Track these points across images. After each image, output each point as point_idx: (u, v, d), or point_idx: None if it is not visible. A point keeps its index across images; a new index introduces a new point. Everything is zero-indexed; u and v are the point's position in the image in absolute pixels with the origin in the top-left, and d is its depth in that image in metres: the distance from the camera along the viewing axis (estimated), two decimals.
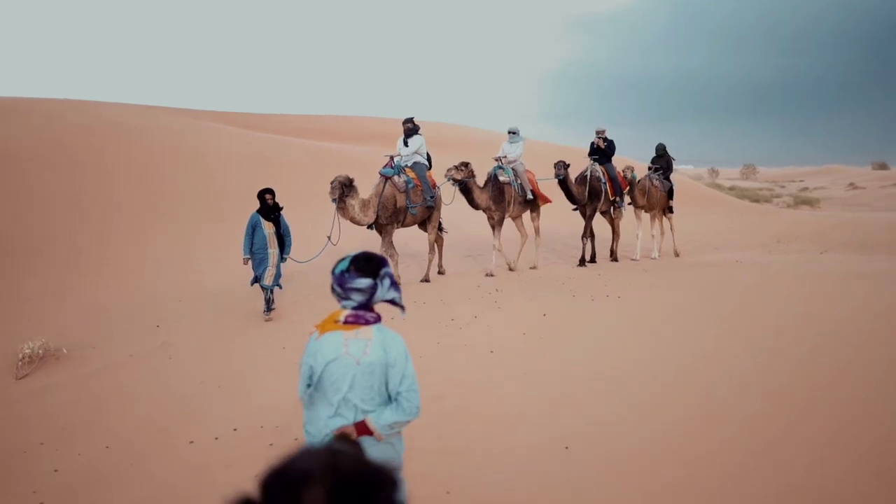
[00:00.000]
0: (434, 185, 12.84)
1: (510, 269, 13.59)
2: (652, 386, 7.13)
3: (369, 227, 11.98)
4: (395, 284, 3.36)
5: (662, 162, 16.62)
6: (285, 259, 10.67)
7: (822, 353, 7.80)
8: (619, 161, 15.92)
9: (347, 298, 3.30)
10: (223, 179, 18.27)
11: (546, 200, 14.30)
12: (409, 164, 12.58)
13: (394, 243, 12.30)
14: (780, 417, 6.20)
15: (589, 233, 14.85)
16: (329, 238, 11.22)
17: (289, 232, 10.72)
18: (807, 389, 6.78)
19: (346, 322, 3.29)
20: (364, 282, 3.26)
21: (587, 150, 15.43)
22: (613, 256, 15.47)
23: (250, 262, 10.41)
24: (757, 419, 6.19)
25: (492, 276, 12.99)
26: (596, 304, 10.80)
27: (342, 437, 3.21)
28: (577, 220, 15.30)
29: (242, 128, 28.58)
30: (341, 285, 3.28)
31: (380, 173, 12.19)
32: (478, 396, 7.10)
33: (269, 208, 10.48)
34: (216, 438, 6.44)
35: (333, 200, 11.06)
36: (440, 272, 13.38)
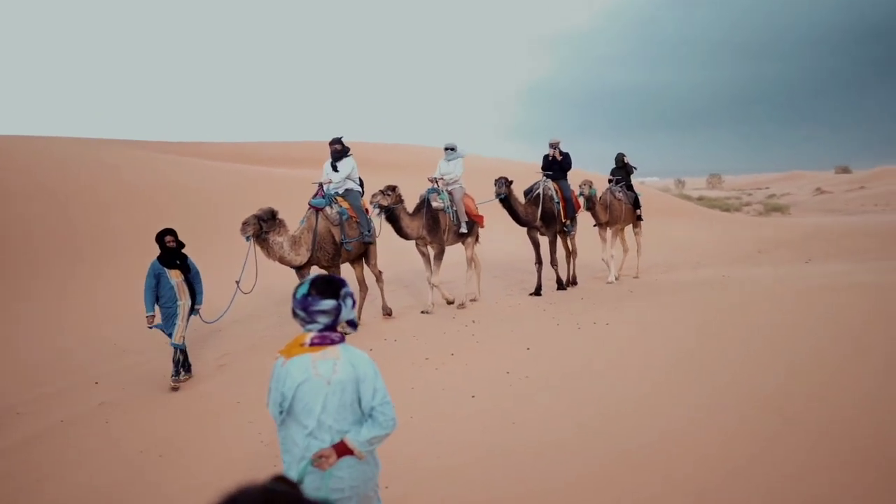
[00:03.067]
0: (370, 215, 11.21)
1: (423, 312, 11.75)
2: (657, 431, 6.16)
3: (297, 269, 10.28)
4: (354, 303, 3.42)
5: (622, 172, 15.33)
6: (196, 311, 9.04)
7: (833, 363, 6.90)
8: (575, 175, 14.31)
9: (312, 322, 3.33)
10: (167, 210, 17.13)
11: (481, 222, 12.62)
12: (340, 193, 10.98)
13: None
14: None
15: (550, 258, 13.36)
16: (238, 284, 9.64)
17: (199, 278, 9.08)
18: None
19: (312, 344, 3.33)
20: (328, 303, 3.30)
21: (539, 163, 13.84)
22: (569, 280, 13.98)
23: (155, 321, 8.73)
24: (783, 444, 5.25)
25: (428, 313, 11.57)
26: (583, 332, 9.84)
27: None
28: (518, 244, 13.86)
29: (174, 154, 27.46)
30: (305, 309, 3.31)
31: (309, 204, 10.56)
32: (459, 455, 6.09)
33: (171, 253, 8.80)
34: None
35: (247, 239, 9.44)
36: (386, 313, 11.60)
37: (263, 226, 9.48)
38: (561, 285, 13.52)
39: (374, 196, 10.90)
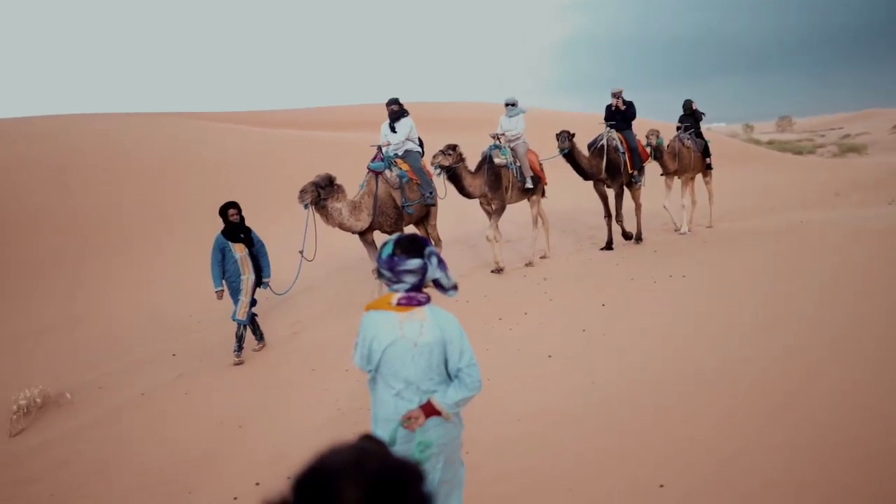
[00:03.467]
0: (431, 177, 10.86)
1: (496, 270, 11.41)
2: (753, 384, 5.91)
3: (361, 235, 10.06)
4: (442, 263, 3.37)
5: (691, 119, 14.60)
6: (266, 285, 8.96)
7: None
8: (641, 125, 13.69)
9: (399, 281, 3.30)
10: (228, 182, 17.24)
11: (545, 182, 12.27)
12: (399, 154, 10.65)
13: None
14: None
15: (614, 213, 12.83)
16: (302, 253, 9.49)
17: (265, 250, 8.96)
18: None
19: (399, 304, 3.30)
20: (415, 262, 3.27)
21: (602, 115, 13.28)
22: (635, 236, 13.22)
23: (226, 294, 8.72)
24: None
25: (500, 271, 11.25)
26: (660, 286, 9.56)
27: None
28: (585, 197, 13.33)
29: (236, 124, 27.61)
30: (391, 269, 3.29)
31: (368, 168, 10.27)
32: (538, 420, 5.94)
33: (235, 227, 8.69)
34: (235, 499, 5.37)
35: (305, 206, 9.20)
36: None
37: (321, 192, 9.25)
38: (627, 238, 13.16)
39: (434, 157, 10.63)
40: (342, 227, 9.70)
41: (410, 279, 3.30)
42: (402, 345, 3.29)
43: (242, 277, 8.62)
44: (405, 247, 3.30)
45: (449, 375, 3.38)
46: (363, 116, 33.95)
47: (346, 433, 6.20)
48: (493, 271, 11.35)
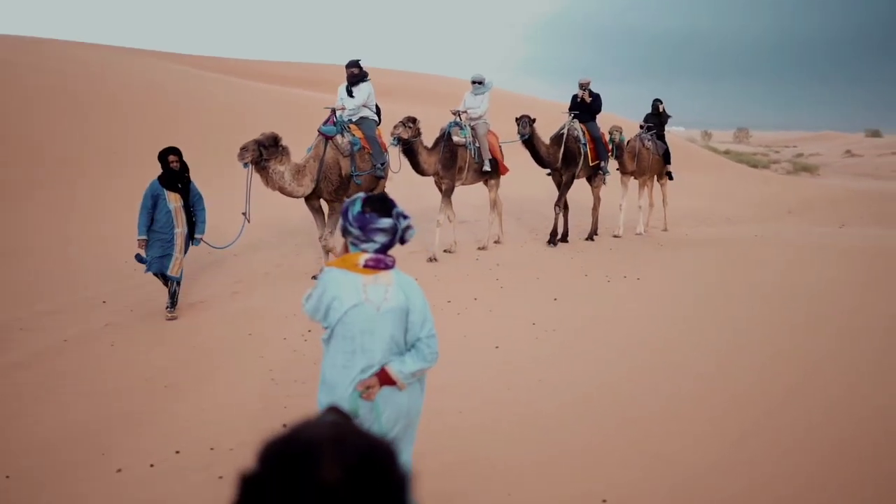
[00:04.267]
0: (384, 148, 10.32)
1: (446, 251, 11.18)
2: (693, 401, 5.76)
3: (306, 201, 9.61)
4: (408, 221, 3.23)
5: (655, 120, 14.16)
6: (197, 241, 8.24)
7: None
8: (604, 119, 13.40)
9: (369, 240, 3.16)
10: (187, 126, 16.63)
11: (505, 170, 11.84)
12: (354, 120, 10.05)
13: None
14: None
15: (563, 203, 12.30)
16: (245, 214, 8.96)
17: (202, 204, 8.23)
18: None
19: (366, 266, 3.17)
20: (386, 221, 3.13)
21: (568, 105, 12.81)
22: (591, 232, 13.00)
23: (144, 246, 7.93)
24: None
25: (434, 260, 10.64)
26: (613, 286, 9.41)
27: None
28: (550, 186, 12.90)
29: (220, 73, 26.84)
30: (362, 227, 3.13)
31: (319, 131, 9.62)
32: (482, 412, 5.71)
33: (173, 174, 7.96)
34: (151, 466, 5.01)
35: (245, 165, 8.59)
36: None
37: (264, 152, 8.63)
38: (552, 239, 12.28)
39: (395, 128, 10.14)
40: (282, 191, 9.11)
41: (381, 238, 3.16)
42: (366, 309, 3.16)
43: (176, 231, 7.96)
44: (375, 205, 3.17)
45: (405, 344, 3.28)
46: (331, 76, 33.25)
47: (277, 406, 5.91)
48: (429, 259, 10.68)
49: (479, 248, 11.55)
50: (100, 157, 14.19)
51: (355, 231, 3.16)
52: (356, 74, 10.05)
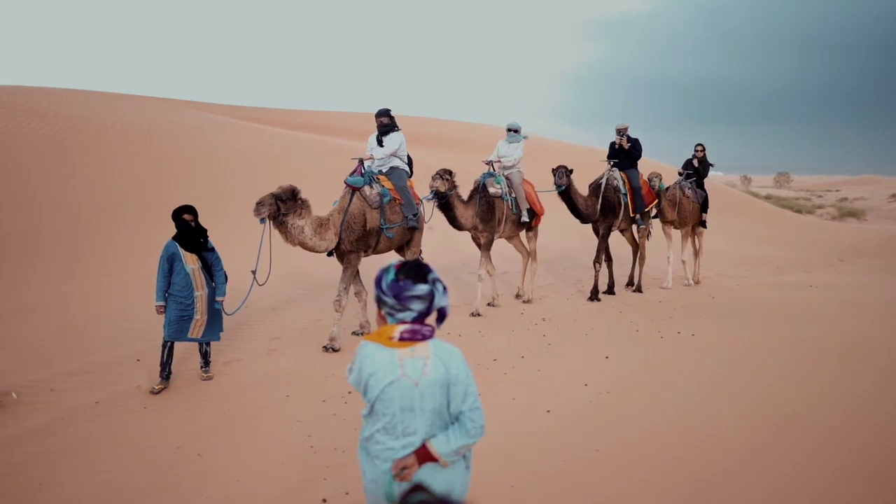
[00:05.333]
0: (418, 200, 9.81)
1: (489, 305, 10.87)
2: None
3: (329, 254, 9.05)
4: (445, 289, 3.04)
5: (697, 168, 13.53)
6: (219, 305, 7.67)
7: None
8: (644, 165, 12.88)
9: (405, 310, 2.97)
10: (226, 177, 16.54)
11: (542, 212, 11.36)
12: (384, 171, 9.58)
13: (360, 276, 9.29)
14: None
15: (603, 258, 11.87)
16: (254, 273, 8.22)
17: (220, 265, 7.69)
18: None
19: (401, 339, 2.97)
20: (423, 288, 2.95)
21: (606, 151, 12.47)
22: (635, 286, 12.55)
23: (162, 312, 7.46)
24: None
25: (478, 315, 10.27)
26: (667, 343, 8.93)
27: (420, 487, 2.47)
28: (591, 237, 12.31)
29: (250, 121, 26.93)
30: (397, 296, 2.94)
31: (346, 182, 9.14)
32: (534, 486, 5.27)
33: (190, 233, 7.48)
34: None
35: (262, 221, 8.09)
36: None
37: (281, 207, 8.15)
38: (607, 291, 12.03)
39: (432, 179, 9.85)
40: (304, 246, 8.57)
41: (417, 306, 2.96)
42: (403, 384, 2.96)
43: (196, 294, 7.43)
44: (409, 272, 2.99)
45: (450, 417, 3.07)
46: (361, 125, 33.29)
47: (316, 477, 5.53)
48: (472, 314, 10.31)
49: (523, 301, 11.15)
50: (135, 204, 14.08)
51: (389, 300, 2.97)
52: (386, 124, 9.59)
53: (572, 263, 15.17)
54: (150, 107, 23.63)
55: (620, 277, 13.02)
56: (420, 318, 3.01)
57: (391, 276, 3.00)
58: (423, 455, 2.98)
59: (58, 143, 16.11)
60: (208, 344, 7.82)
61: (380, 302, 3.02)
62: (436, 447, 2.98)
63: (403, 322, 2.99)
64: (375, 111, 9.66)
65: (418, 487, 2.38)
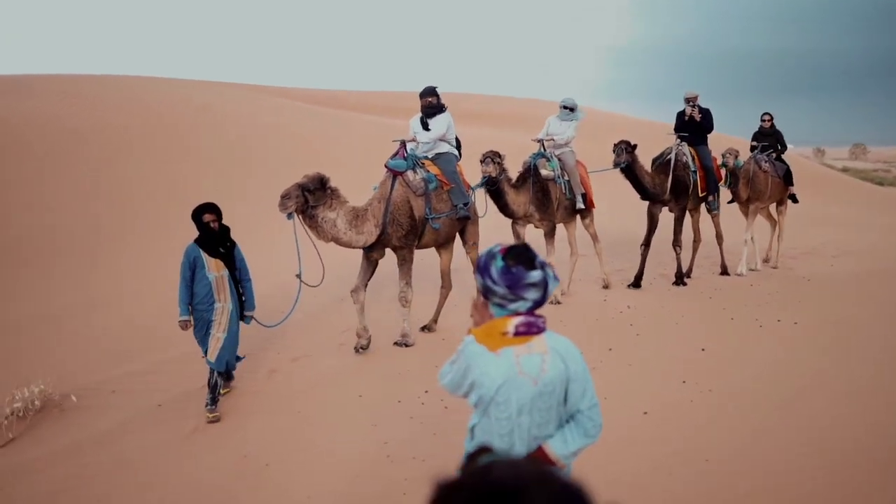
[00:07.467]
0: (468, 187, 8.75)
1: (564, 294, 9.92)
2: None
3: (367, 250, 7.98)
4: (556, 275, 2.76)
5: (771, 139, 12.24)
6: (248, 320, 6.89)
7: None
8: (716, 141, 11.57)
9: (519, 299, 2.65)
10: (267, 164, 16.13)
11: (593, 206, 10.32)
12: (429, 156, 8.55)
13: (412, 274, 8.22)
14: None
15: (680, 240, 10.81)
16: (299, 277, 7.37)
17: (248, 274, 6.83)
18: None
19: (517, 333, 2.68)
20: (536, 274, 2.64)
21: (672, 124, 11.22)
22: (723, 269, 11.53)
23: (191, 328, 6.57)
24: None
25: (557, 303, 9.43)
26: (767, 332, 8.19)
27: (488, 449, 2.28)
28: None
29: (299, 101, 26.63)
30: (511, 285, 2.63)
31: (386, 166, 8.14)
32: (637, 497, 4.68)
33: (213, 236, 6.56)
34: None
35: (288, 216, 7.13)
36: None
37: (309, 198, 7.14)
38: (679, 277, 10.93)
39: (482, 164, 8.89)
40: (338, 241, 7.55)
41: (533, 295, 2.67)
42: (520, 382, 2.68)
43: (217, 305, 6.49)
44: (519, 257, 2.68)
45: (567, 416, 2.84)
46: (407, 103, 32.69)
47: (395, 492, 5.02)
48: (550, 302, 9.48)
49: (603, 287, 10.38)
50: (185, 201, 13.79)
51: (501, 290, 2.66)
52: (432, 104, 8.55)
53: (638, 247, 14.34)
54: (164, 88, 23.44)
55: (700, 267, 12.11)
56: (534, 308, 2.72)
57: (500, 262, 2.68)
58: (540, 458, 2.75)
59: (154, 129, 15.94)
60: (219, 374, 6.62)
61: (488, 292, 2.71)
62: (553, 449, 2.77)
63: (518, 314, 2.70)
64: (420, 90, 8.71)
65: (485, 449, 2.24)
